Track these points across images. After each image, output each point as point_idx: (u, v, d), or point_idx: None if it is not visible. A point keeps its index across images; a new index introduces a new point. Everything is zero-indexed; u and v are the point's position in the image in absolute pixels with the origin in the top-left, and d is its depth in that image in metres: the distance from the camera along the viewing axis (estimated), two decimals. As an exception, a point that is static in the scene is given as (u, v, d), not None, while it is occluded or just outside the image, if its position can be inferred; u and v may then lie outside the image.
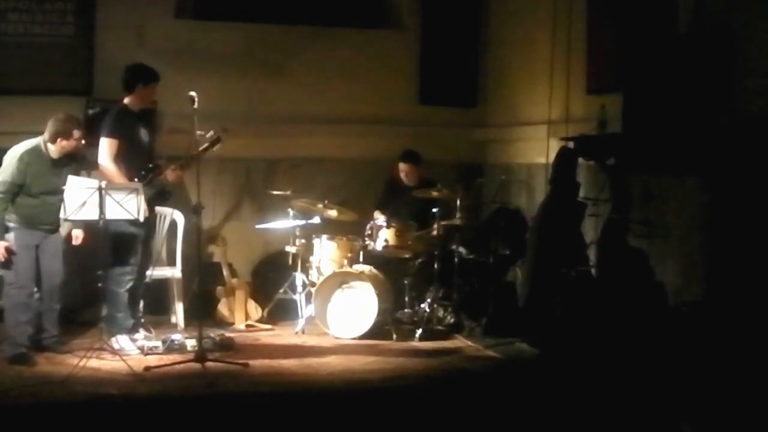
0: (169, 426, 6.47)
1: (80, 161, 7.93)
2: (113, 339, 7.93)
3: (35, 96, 9.07)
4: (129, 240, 8.00)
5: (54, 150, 7.64)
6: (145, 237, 8.22)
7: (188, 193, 8.57)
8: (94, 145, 8.68)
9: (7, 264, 7.54)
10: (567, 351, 7.76)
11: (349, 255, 9.00)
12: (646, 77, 7.76)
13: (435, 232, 9.03)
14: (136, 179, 7.82)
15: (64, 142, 7.63)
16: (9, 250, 7.51)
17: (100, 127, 8.13)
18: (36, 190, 7.57)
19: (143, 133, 8.14)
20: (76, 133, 7.69)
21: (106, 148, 7.94)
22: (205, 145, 7.90)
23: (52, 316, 7.88)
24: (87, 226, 7.79)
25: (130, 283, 8.07)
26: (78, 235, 7.92)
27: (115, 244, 7.96)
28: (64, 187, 7.40)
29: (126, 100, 8.10)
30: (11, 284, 7.62)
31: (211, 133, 7.91)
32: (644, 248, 7.97)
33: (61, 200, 7.40)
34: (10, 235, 7.54)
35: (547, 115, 9.65)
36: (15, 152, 7.58)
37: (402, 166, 9.69)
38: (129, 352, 7.80)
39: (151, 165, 8.01)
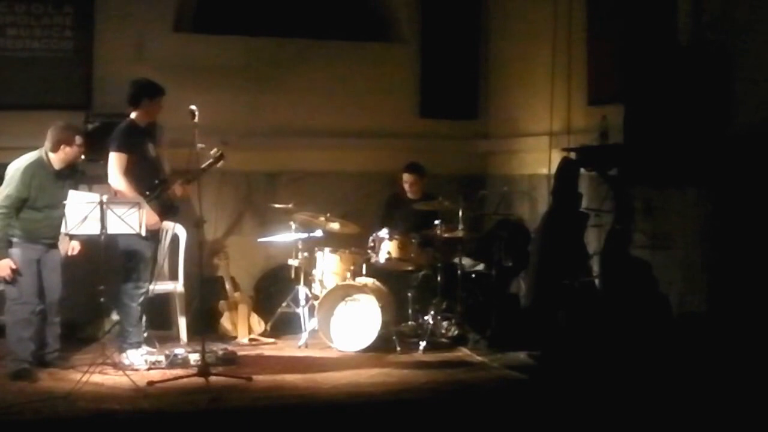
0: (173, 441, 6.47)
1: (79, 173, 7.92)
2: (123, 354, 7.94)
3: (34, 111, 9.07)
4: (141, 254, 8.00)
5: (56, 159, 7.62)
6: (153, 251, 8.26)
7: (190, 207, 8.55)
8: (94, 160, 8.67)
9: (12, 281, 7.52)
10: (571, 362, 7.74)
11: (352, 268, 8.98)
12: (647, 88, 7.77)
13: (437, 232, 9.02)
14: (147, 193, 7.84)
15: (68, 149, 7.62)
16: (15, 271, 7.49)
17: (105, 143, 8.11)
18: (41, 204, 7.54)
19: (150, 148, 8.14)
20: (78, 140, 7.68)
21: (115, 162, 7.93)
22: (209, 161, 7.94)
23: (53, 331, 7.87)
24: (88, 240, 7.76)
25: (143, 298, 8.08)
26: (74, 246, 7.90)
27: (127, 259, 7.97)
28: (65, 202, 7.40)
29: (132, 115, 8.10)
30: (14, 300, 7.57)
31: (215, 150, 7.96)
32: (647, 259, 7.96)
33: (64, 213, 7.39)
34: (13, 251, 7.52)
35: (548, 126, 9.65)
36: (18, 165, 7.56)
37: (406, 176, 9.70)
38: (139, 367, 7.78)
39: (158, 180, 8.03)
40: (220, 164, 8.04)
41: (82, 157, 7.80)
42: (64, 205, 7.41)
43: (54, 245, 7.77)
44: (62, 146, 7.61)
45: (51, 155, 7.62)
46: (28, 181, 7.49)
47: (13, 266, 7.47)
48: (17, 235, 7.52)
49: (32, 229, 7.56)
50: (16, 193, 7.47)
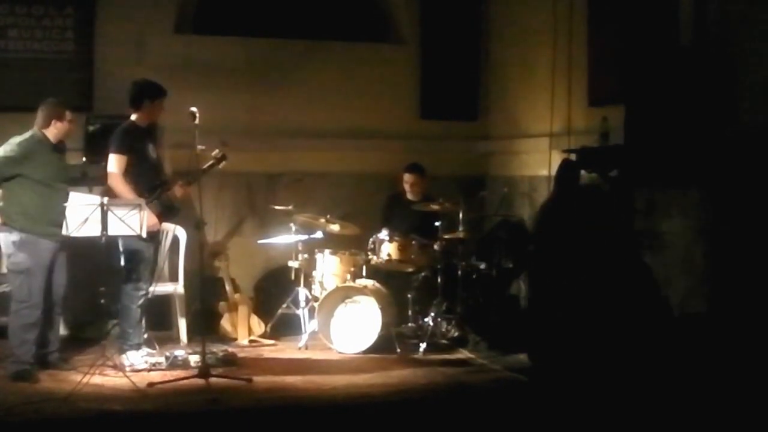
0: (174, 442, 6.47)
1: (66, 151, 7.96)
2: (123, 356, 7.93)
3: (35, 113, 9.04)
4: (141, 256, 7.99)
5: (50, 134, 7.64)
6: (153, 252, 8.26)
7: (190, 209, 8.55)
8: (95, 162, 8.69)
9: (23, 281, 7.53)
10: (570, 363, 7.74)
11: (352, 269, 8.97)
12: (648, 89, 7.76)
13: (437, 246, 9.01)
14: (146, 195, 7.82)
15: (59, 124, 7.64)
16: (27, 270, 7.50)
17: (106, 144, 8.10)
18: (44, 176, 7.51)
19: (151, 149, 8.12)
20: (68, 115, 7.70)
21: (114, 163, 7.91)
22: (211, 162, 7.93)
23: (56, 327, 7.88)
24: (89, 241, 7.72)
25: (143, 299, 8.07)
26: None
27: (127, 260, 7.96)
28: (68, 198, 7.39)
29: (133, 116, 8.08)
30: (22, 302, 7.53)
31: (216, 151, 7.95)
32: (648, 260, 7.96)
33: (68, 194, 7.39)
34: (24, 252, 7.50)
35: (548, 127, 9.65)
36: (11, 141, 7.58)
37: (407, 177, 9.69)
38: (139, 368, 7.77)
39: (158, 181, 8.02)
40: (221, 165, 8.03)
41: (85, 162, 7.78)
42: (67, 180, 7.49)
43: (64, 244, 7.73)
44: (53, 121, 7.62)
45: (44, 131, 7.63)
46: (22, 152, 7.48)
47: None
48: (27, 228, 7.48)
49: (40, 206, 7.49)
50: (3, 154, 7.48)
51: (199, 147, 7.66)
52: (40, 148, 7.58)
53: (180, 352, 8.03)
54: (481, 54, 10.99)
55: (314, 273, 9.15)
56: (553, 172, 8.89)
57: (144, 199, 7.69)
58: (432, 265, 9.13)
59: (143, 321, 8.26)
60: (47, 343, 7.79)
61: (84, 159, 8.99)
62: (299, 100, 10.34)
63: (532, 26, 10.06)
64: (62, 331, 8.24)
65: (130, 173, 7.93)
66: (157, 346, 8.36)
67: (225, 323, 9.25)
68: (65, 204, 7.36)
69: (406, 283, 9.31)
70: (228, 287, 9.40)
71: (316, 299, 9.02)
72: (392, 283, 9.23)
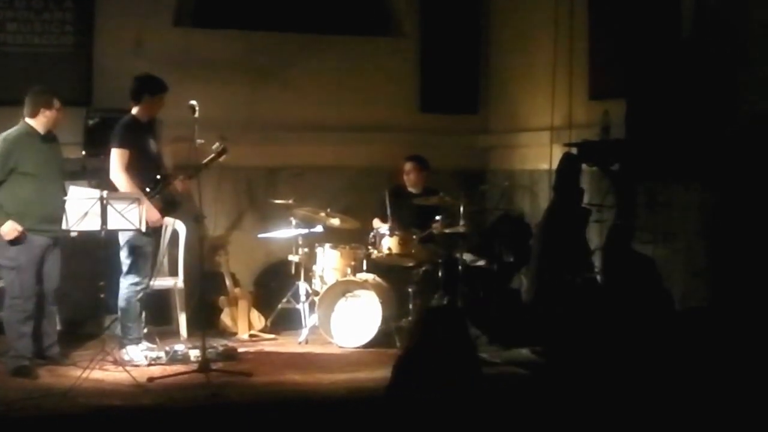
0: (174, 437, 6.44)
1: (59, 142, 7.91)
2: (123, 350, 7.91)
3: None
4: (141, 250, 7.97)
5: (38, 125, 7.58)
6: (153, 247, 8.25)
7: (190, 203, 8.53)
8: (94, 155, 8.66)
9: (15, 275, 7.49)
10: (572, 358, 7.72)
11: (353, 263, 8.96)
12: (649, 83, 7.75)
13: (435, 231, 8.98)
14: (147, 189, 7.80)
15: (47, 113, 7.58)
16: (21, 235, 7.42)
17: (105, 137, 8.08)
18: (34, 168, 7.46)
19: (151, 144, 8.10)
20: (56, 103, 7.63)
21: (117, 158, 7.88)
22: (211, 156, 7.89)
23: (51, 320, 7.85)
24: (89, 236, 7.70)
25: (142, 294, 8.04)
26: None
27: (126, 255, 7.94)
28: (66, 192, 7.36)
29: (134, 111, 8.05)
30: (16, 297, 7.50)
31: (217, 144, 7.91)
32: (649, 254, 7.94)
33: (62, 191, 7.36)
34: (14, 250, 7.45)
35: (549, 121, 9.64)
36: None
37: (407, 166, 9.64)
38: (139, 363, 7.75)
39: (159, 176, 8.00)
40: (222, 158, 7.99)
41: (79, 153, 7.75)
42: (60, 172, 7.51)
43: (57, 240, 7.70)
44: (41, 110, 7.57)
45: (32, 122, 7.58)
46: (11, 147, 7.44)
47: (19, 228, 7.40)
48: (19, 222, 7.43)
49: (29, 201, 7.44)
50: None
51: (199, 141, 7.64)
52: (28, 139, 7.52)
53: (180, 347, 8.01)
54: (481, 47, 10.97)
55: (314, 267, 9.13)
56: (554, 166, 8.88)
57: (144, 194, 7.67)
58: (433, 259, 9.11)
59: (143, 315, 8.24)
60: (42, 336, 7.74)
61: (83, 153, 8.97)
62: (299, 93, 10.32)
63: (533, 19, 10.04)
64: (60, 325, 8.20)
65: (131, 168, 7.90)
66: (157, 341, 8.34)
67: (225, 318, 9.24)
68: (63, 198, 7.34)
69: (406, 277, 9.28)
70: (228, 281, 9.38)
71: (316, 293, 9.00)
72: (393, 278, 9.20)
